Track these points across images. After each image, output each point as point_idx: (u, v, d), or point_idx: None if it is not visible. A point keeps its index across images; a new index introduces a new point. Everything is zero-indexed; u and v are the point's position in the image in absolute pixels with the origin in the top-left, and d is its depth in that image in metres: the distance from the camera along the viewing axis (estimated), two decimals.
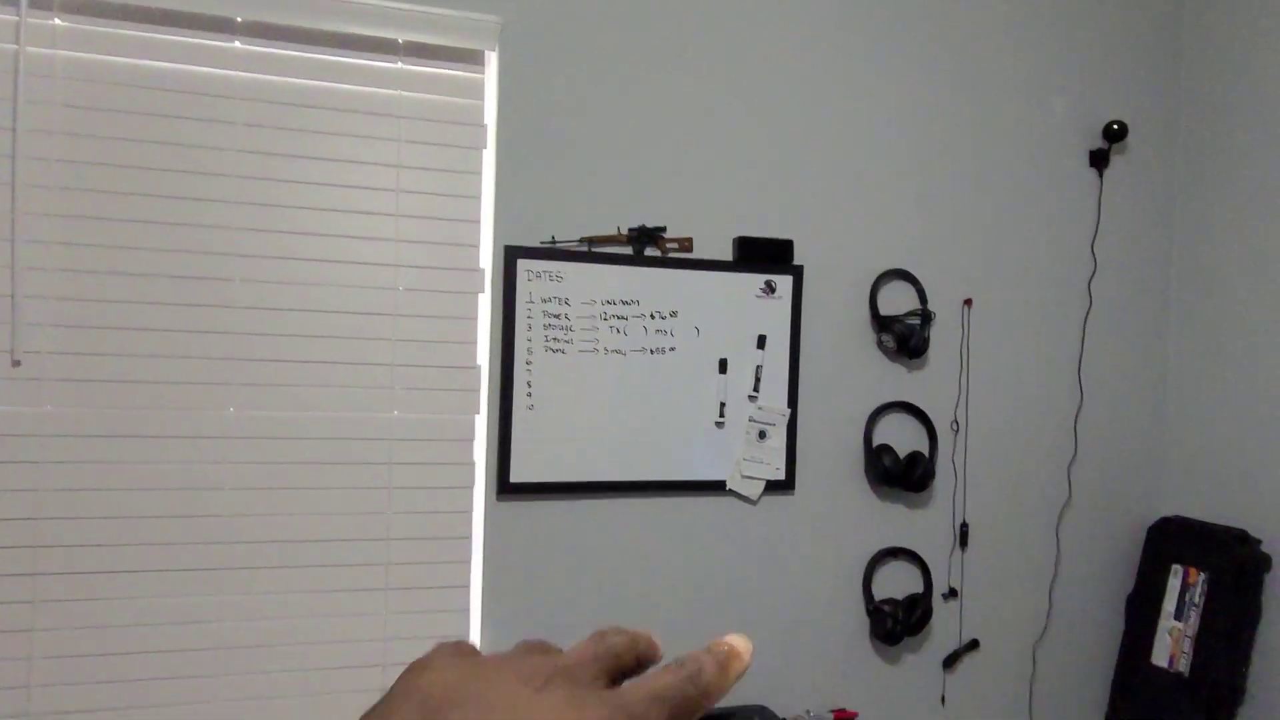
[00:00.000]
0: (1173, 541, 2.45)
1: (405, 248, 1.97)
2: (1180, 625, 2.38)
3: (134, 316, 1.81)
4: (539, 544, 2.05)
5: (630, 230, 2.09)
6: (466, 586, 1.99)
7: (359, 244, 1.94)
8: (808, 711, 2.27)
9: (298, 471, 1.89)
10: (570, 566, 2.07)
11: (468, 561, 1.99)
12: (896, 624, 2.25)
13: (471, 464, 2.00)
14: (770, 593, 2.22)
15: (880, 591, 2.32)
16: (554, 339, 2.06)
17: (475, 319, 2.02)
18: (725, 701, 2.20)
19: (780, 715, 2.21)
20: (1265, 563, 2.30)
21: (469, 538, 2.00)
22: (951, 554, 2.38)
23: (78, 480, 1.77)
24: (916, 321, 2.28)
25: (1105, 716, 2.52)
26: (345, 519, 1.92)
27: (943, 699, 2.39)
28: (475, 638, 2.03)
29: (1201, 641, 2.32)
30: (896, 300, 2.30)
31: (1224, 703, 2.29)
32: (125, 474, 1.80)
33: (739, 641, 0.38)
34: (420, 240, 1.98)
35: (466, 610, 1.99)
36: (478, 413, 2.01)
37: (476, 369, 2.01)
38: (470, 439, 2.00)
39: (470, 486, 2.00)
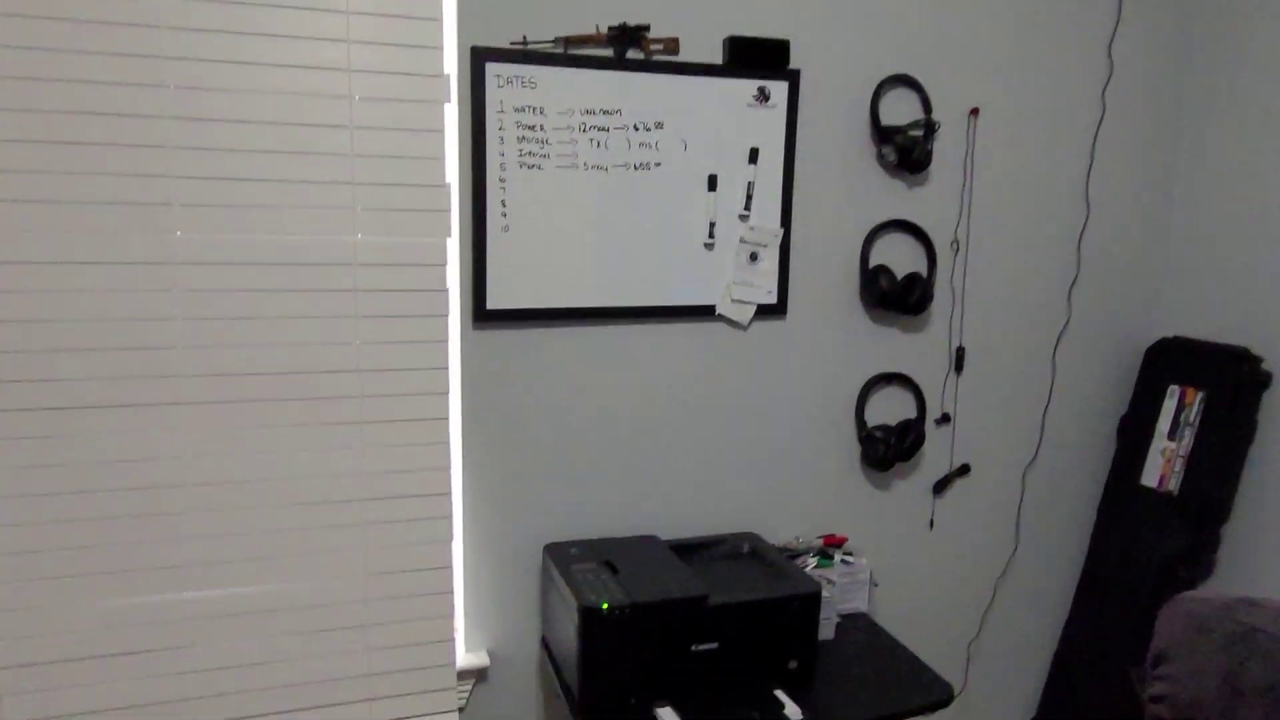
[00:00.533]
0: (1171, 362, 2.39)
1: (358, 50, 1.76)
2: (1173, 445, 2.35)
3: (63, 129, 1.61)
4: (520, 373, 1.95)
5: (610, 29, 1.88)
6: (445, 419, 1.90)
7: (305, 45, 1.73)
8: (797, 538, 2.25)
9: (254, 300, 1.75)
10: (553, 396, 1.98)
11: (445, 393, 1.89)
12: (888, 450, 2.20)
13: (444, 290, 1.87)
14: (760, 420, 2.15)
15: (873, 418, 2.26)
16: (529, 153, 1.88)
17: (441, 132, 1.83)
18: (714, 529, 2.17)
19: (769, 541, 2.19)
20: (1265, 380, 2.25)
21: (445, 368, 1.88)
22: (946, 379, 2.31)
23: (12, 311, 1.63)
24: (919, 133, 2.11)
25: (1091, 535, 2.54)
26: (310, 350, 1.80)
27: (931, 523, 2.38)
28: (456, 470, 1.96)
29: (1193, 461, 2.30)
30: (899, 109, 2.13)
31: (1210, 519, 2.29)
32: (65, 304, 1.65)
33: None
34: (375, 41, 1.76)
35: (446, 443, 1.90)
36: (449, 235, 1.86)
37: (445, 188, 1.84)
38: (442, 264, 1.86)
39: (444, 314, 1.87)
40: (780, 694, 1.78)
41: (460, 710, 2.03)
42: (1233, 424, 2.24)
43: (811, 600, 1.84)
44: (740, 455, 2.15)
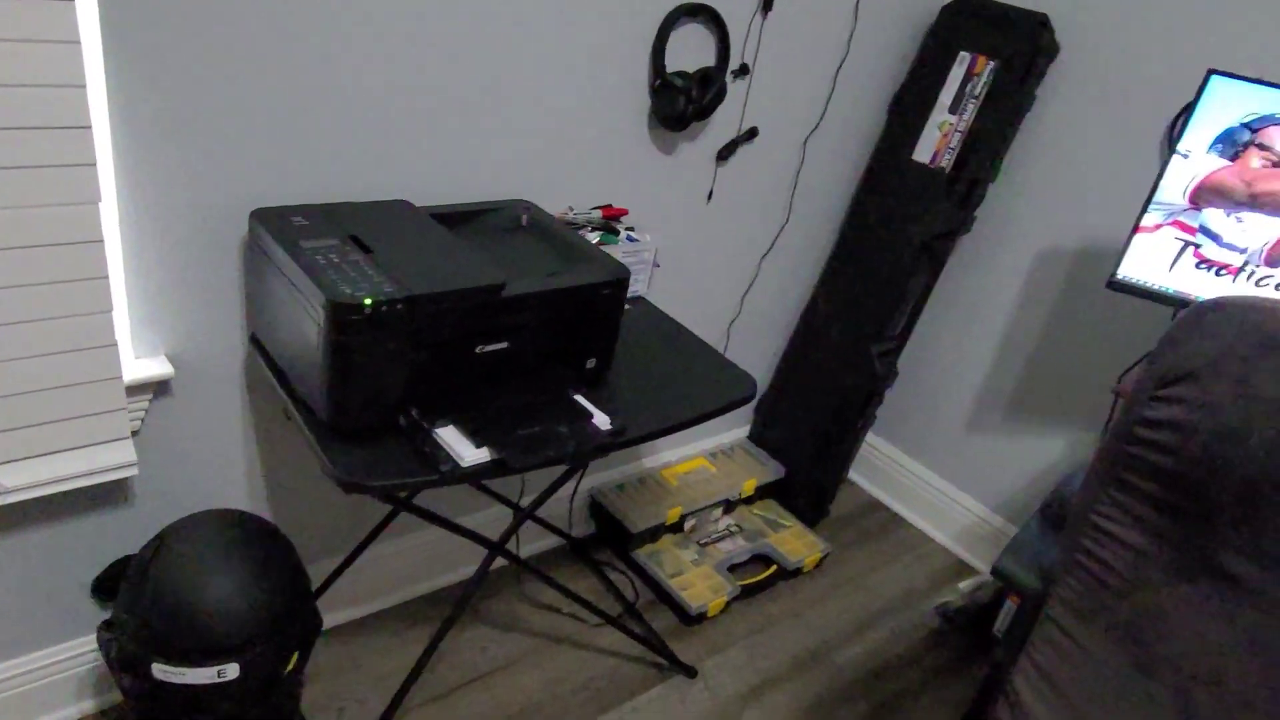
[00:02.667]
0: (966, 24, 2.18)
1: None
2: (953, 120, 2.21)
3: None
4: None
5: None
6: (70, 1, 1.14)
7: None
8: (570, 208, 1.84)
9: None
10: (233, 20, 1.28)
11: None
12: (689, 104, 1.80)
13: None
14: (533, 53, 1.62)
15: (669, 63, 1.82)
16: None
17: None
18: (474, 194, 1.69)
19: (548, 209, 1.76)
20: (1054, 51, 2.14)
21: None
22: (752, 20, 1.91)
23: None
24: None
25: (848, 211, 2.42)
26: None
27: (710, 194, 2.08)
28: (98, 95, 1.24)
29: (970, 136, 2.19)
30: None
31: (973, 195, 2.24)
32: None
33: None
34: None
35: (76, 43, 1.16)
36: None
37: None
38: None
39: None
40: (580, 399, 1.46)
41: (135, 434, 1.48)
42: (1018, 97, 2.13)
43: (619, 288, 1.48)
44: (506, 99, 1.63)
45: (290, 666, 1.42)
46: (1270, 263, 1.65)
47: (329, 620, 1.92)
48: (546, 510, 2.22)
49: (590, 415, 1.42)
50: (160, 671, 1.31)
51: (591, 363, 1.53)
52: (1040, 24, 2.08)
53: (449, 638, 1.96)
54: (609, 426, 1.40)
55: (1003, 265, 2.33)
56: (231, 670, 1.32)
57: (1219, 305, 0.88)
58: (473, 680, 1.88)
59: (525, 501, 2.14)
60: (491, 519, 2.10)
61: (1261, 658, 0.91)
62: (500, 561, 2.11)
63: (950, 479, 2.55)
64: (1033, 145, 2.24)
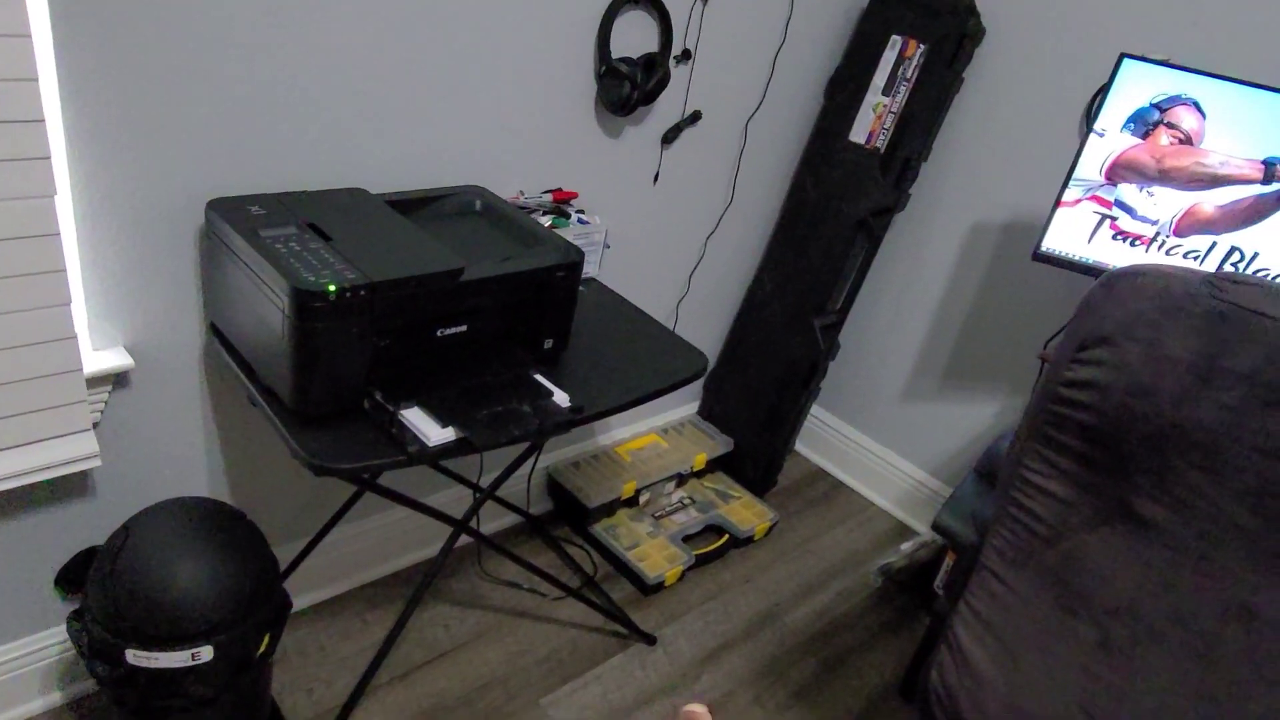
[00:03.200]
0: (897, 9, 2.27)
1: None
2: (887, 101, 2.30)
3: None
4: None
5: None
6: None
7: None
8: (521, 192, 1.88)
9: None
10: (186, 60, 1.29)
11: None
12: (634, 89, 1.85)
13: None
14: (484, 42, 1.66)
15: (614, 49, 1.87)
16: None
17: None
18: (427, 180, 1.72)
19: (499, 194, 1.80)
20: (981, 35, 2.23)
21: None
22: (693, 6, 1.96)
23: None
24: None
25: (789, 191, 2.50)
26: None
27: (656, 176, 2.13)
28: (49, 86, 1.25)
29: (903, 117, 2.27)
30: None
31: (907, 174, 2.33)
32: None
33: (698, 709, 0.87)
34: None
35: (26, 37, 1.17)
36: None
37: None
38: None
39: None
40: (540, 378, 1.51)
41: (95, 426, 1.49)
42: (948, 79, 2.22)
43: (574, 270, 1.53)
44: (455, 87, 1.66)
45: (262, 648, 1.45)
46: (1179, 233, 1.77)
47: (293, 604, 1.94)
48: (504, 489, 2.25)
49: (551, 393, 1.47)
50: (134, 657, 1.33)
51: (549, 343, 1.58)
52: (967, 9, 2.17)
53: (411, 616, 2.00)
54: (569, 404, 1.46)
55: (935, 240, 2.44)
56: (205, 653, 1.35)
57: (1129, 273, 0.97)
58: (437, 657, 1.93)
59: (484, 481, 2.18)
60: (450, 500, 2.14)
61: (1171, 592, 1.01)
62: (459, 540, 2.15)
63: (890, 446, 2.66)
64: (962, 125, 2.34)
